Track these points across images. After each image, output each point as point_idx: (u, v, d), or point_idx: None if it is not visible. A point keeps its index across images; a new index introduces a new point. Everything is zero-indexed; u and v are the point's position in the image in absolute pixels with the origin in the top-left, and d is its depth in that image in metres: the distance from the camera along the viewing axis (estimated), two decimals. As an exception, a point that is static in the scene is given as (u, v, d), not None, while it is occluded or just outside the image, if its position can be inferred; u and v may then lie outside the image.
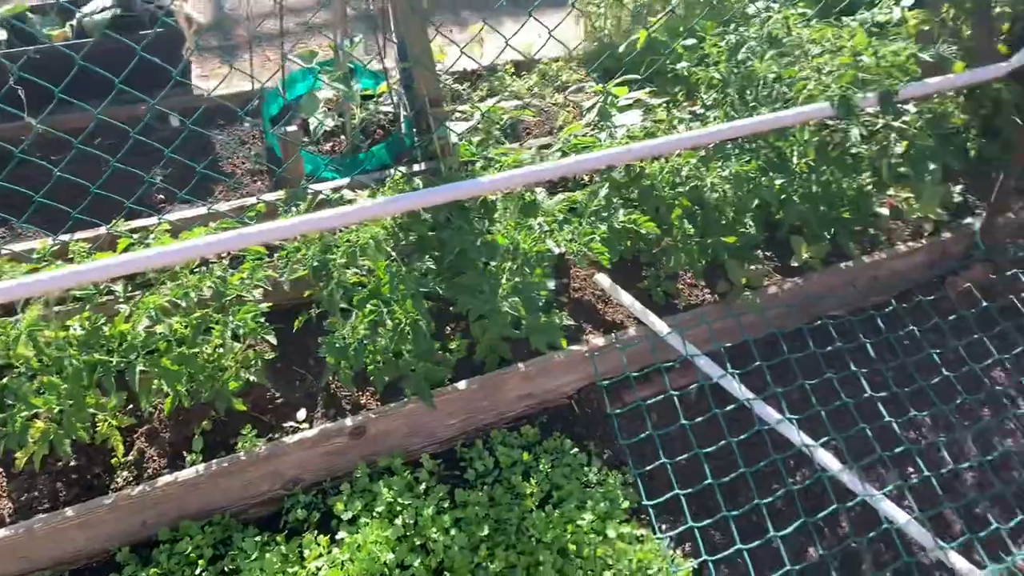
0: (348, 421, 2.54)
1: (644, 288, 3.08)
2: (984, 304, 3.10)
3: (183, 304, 2.31)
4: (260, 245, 2.24)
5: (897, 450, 2.63)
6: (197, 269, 2.44)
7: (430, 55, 2.99)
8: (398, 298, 2.39)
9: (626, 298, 2.95)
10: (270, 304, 2.66)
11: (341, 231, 2.40)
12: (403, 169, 2.98)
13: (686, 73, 3.07)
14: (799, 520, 2.46)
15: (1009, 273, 3.20)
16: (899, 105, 2.79)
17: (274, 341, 2.53)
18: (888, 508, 2.46)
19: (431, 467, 2.58)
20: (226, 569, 2.33)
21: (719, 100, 2.96)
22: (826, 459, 2.56)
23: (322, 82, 3.36)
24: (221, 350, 2.51)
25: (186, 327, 2.38)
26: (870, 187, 3.08)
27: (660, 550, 2.41)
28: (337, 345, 2.43)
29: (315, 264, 2.33)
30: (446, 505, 2.46)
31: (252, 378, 2.53)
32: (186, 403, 2.43)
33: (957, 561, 2.38)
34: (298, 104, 3.69)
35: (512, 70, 4.18)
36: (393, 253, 2.37)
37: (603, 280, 3.04)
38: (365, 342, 2.41)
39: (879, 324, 3.01)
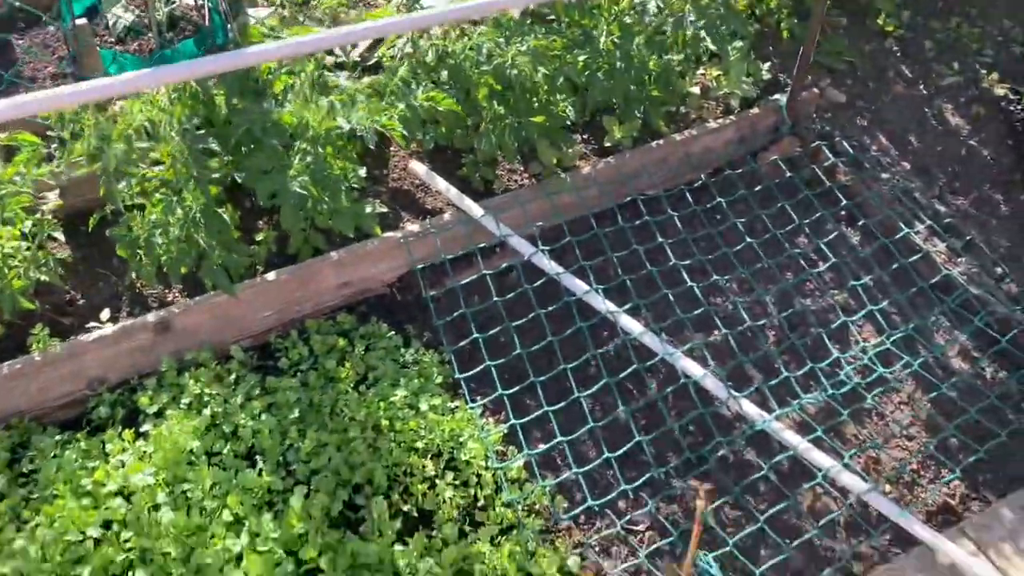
0: (151, 317, 2.49)
1: (463, 176, 3.09)
2: (789, 175, 3.24)
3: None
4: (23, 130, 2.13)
5: (697, 312, 2.76)
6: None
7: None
8: (188, 185, 2.33)
9: (442, 184, 2.95)
10: (60, 203, 2.56)
11: (122, 116, 2.31)
12: (206, 61, 2.86)
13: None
14: (603, 381, 2.57)
15: (814, 145, 3.34)
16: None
17: (62, 237, 2.44)
18: (686, 364, 2.59)
19: (242, 358, 2.56)
20: (25, 471, 2.28)
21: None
22: (629, 324, 2.66)
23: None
24: (9, 249, 2.41)
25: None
26: (679, 66, 3.14)
27: (472, 419, 2.48)
28: (128, 237, 2.36)
29: (92, 152, 2.24)
30: (256, 393, 2.46)
31: (44, 278, 2.44)
32: (-31, 306, 2.33)
33: (748, 408, 2.53)
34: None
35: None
36: (177, 137, 2.29)
37: (418, 167, 3.03)
38: (157, 233, 2.34)
39: (689, 199, 3.11)
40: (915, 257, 2.99)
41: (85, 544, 2.09)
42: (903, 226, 3.06)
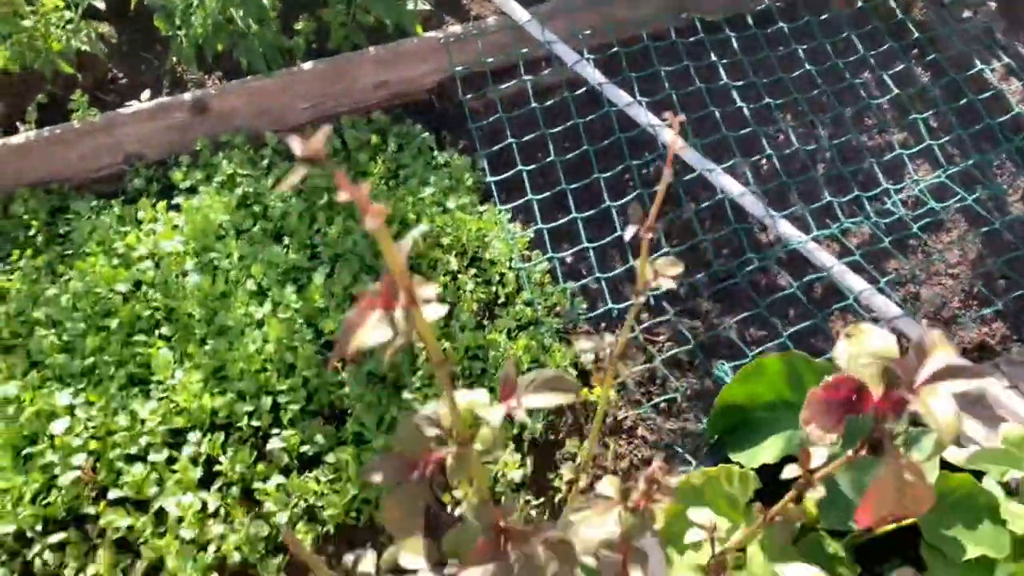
0: (187, 96, 2.49)
1: (514, -15, 2.97)
2: (860, 5, 3.03)
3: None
4: None
5: (744, 132, 2.65)
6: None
7: None
8: (225, -43, 2.28)
9: (488, -13, 2.85)
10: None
11: None
12: None
13: None
14: (636, 192, 2.51)
15: (891, -24, 3.11)
16: None
17: (103, 5, 2.43)
18: (724, 181, 2.50)
19: (275, 145, 2.56)
20: (61, 232, 2.35)
21: None
22: (670, 138, 2.57)
23: None
24: (53, 19, 2.42)
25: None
26: None
27: (500, 221, 2.45)
28: (167, 9, 2.35)
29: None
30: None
31: (85, 47, 2.45)
32: (12, 67, 2.36)
33: (784, 227, 2.44)
34: None
35: None
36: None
37: (466, -31, 2.92)
38: (194, 4, 2.32)
39: (750, 22, 2.94)
40: (986, 95, 2.80)
41: (114, 299, 2.17)
42: (978, 63, 2.85)
